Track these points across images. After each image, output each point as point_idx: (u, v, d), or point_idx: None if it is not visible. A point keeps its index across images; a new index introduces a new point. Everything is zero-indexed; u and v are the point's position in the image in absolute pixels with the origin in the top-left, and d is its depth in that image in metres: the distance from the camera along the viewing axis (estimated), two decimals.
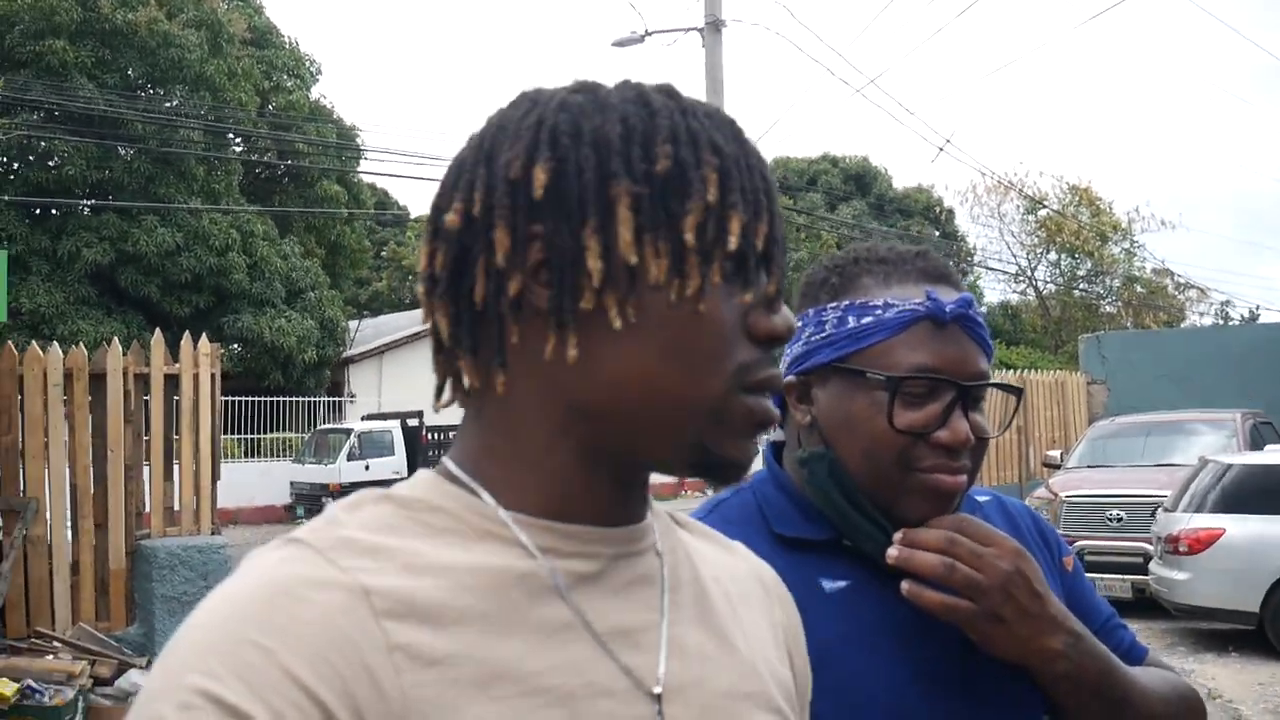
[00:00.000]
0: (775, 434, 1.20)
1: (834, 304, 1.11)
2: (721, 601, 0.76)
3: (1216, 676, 7.31)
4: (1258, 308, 32.35)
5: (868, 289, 1.10)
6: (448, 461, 0.69)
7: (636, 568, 0.70)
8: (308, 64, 24.34)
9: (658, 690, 0.67)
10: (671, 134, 0.66)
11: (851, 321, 1.08)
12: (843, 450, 1.08)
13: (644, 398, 0.65)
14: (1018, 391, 1.18)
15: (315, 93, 24.65)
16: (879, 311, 1.07)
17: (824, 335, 1.10)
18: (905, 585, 1.03)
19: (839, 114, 63.39)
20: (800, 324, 1.12)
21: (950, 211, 33.24)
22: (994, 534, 1.04)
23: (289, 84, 23.54)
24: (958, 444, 1.04)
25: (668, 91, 0.70)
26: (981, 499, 1.23)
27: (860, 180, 33.26)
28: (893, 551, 1.04)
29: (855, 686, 1.03)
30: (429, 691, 0.59)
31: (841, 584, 1.09)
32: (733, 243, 0.66)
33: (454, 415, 0.70)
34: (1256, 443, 10.42)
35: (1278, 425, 11.65)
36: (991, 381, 1.10)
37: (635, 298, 0.65)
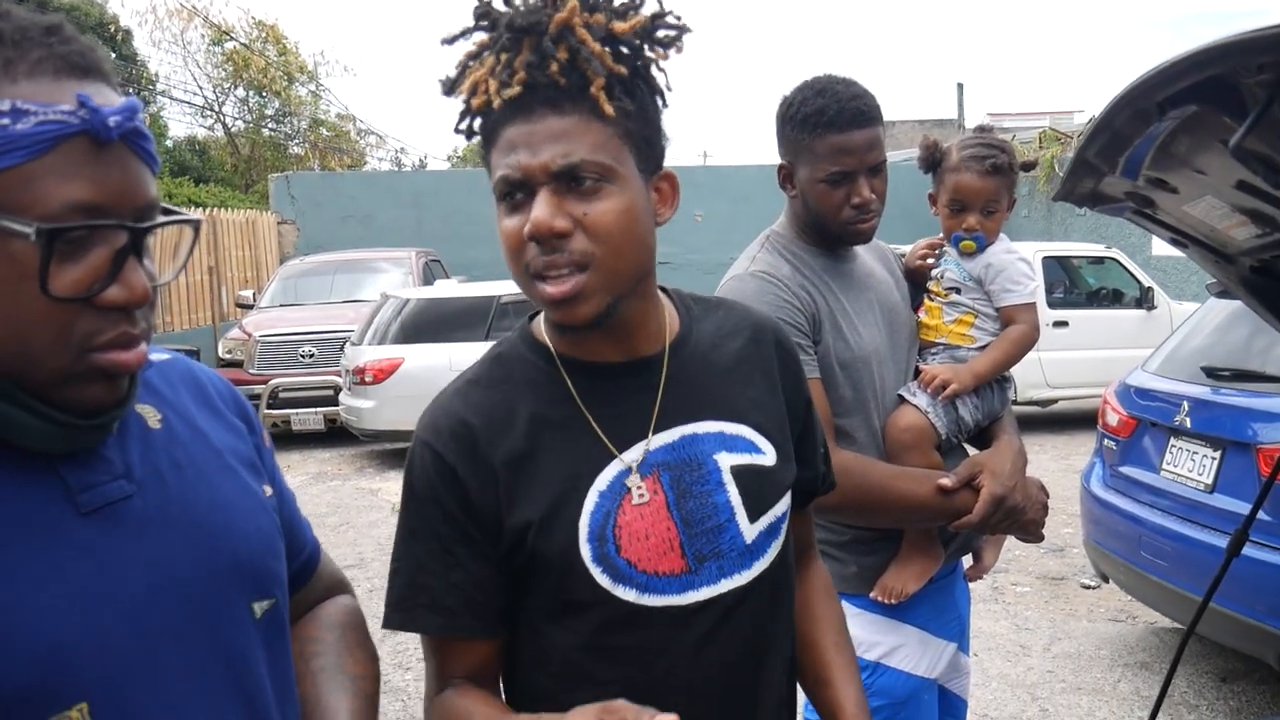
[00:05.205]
0: None
1: None
2: None
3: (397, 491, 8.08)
4: (426, 155, 35.72)
5: None
6: None
7: None
8: None
9: None
10: None
11: None
12: None
13: None
14: (196, 224, 0.94)
15: None
16: (5, 121, 0.76)
17: None
18: None
19: None
20: None
21: (128, 32, 30.35)
22: None
23: None
24: (135, 302, 0.81)
25: None
26: (159, 357, 1.00)
27: None
28: None
29: None
30: None
31: None
32: None
33: None
34: (429, 279, 11.57)
35: (445, 263, 13.06)
36: (169, 219, 0.87)
37: None
